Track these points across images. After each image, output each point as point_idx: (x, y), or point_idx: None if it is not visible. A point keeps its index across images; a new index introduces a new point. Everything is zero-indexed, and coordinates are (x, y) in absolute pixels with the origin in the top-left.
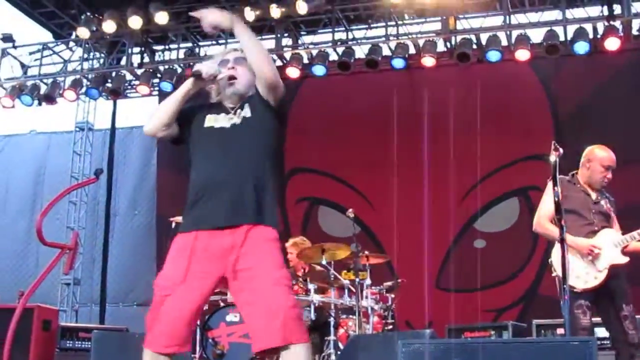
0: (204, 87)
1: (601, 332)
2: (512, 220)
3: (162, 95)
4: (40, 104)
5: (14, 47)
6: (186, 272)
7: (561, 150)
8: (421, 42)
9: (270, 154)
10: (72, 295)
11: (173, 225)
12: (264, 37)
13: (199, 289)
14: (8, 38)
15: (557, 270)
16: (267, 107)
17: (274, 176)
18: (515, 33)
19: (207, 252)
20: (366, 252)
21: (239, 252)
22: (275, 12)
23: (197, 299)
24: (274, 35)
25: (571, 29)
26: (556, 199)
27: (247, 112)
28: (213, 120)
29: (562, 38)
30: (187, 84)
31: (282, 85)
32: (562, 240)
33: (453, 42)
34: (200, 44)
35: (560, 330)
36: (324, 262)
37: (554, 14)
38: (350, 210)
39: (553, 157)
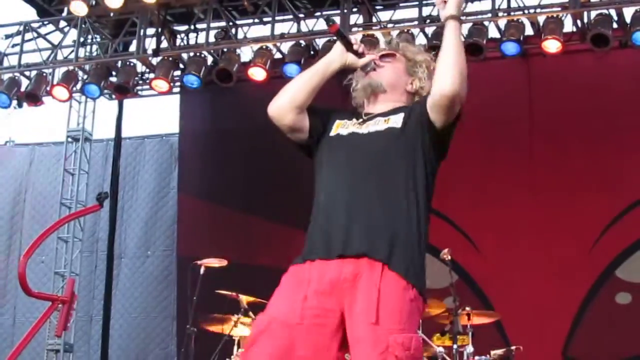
0: (348, 68)
1: None
2: None
3: (186, 93)
4: (20, 105)
5: None
6: (302, 310)
7: None
8: (542, 19)
9: (419, 185)
10: None
11: (202, 270)
12: (324, 12)
13: (317, 336)
14: None
15: None
16: (429, 127)
17: (423, 219)
18: None
19: (324, 285)
20: (467, 309)
21: (356, 290)
22: None
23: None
24: (338, 11)
25: None
26: None
27: (396, 120)
28: (342, 127)
29: None
30: (332, 53)
31: (460, 109)
32: None
33: (586, 20)
34: (238, 22)
35: None
36: None
37: None
38: (446, 250)
39: None
